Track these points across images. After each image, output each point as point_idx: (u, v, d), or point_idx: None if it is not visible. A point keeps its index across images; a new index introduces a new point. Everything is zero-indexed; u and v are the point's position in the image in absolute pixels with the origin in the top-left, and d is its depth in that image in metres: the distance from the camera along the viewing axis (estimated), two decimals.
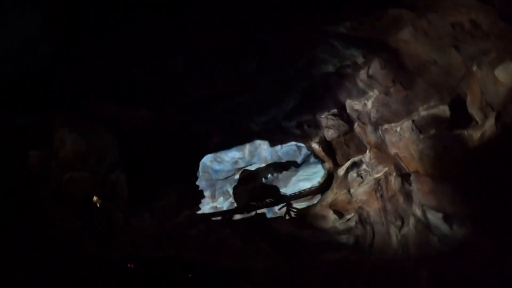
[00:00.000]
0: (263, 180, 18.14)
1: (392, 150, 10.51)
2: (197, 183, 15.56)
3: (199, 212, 15.55)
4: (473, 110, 7.77)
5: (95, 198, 9.27)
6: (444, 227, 8.65)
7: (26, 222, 7.08)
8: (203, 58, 9.13)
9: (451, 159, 8.40)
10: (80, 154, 8.94)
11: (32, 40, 6.87)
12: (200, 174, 16.91)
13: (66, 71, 8.05)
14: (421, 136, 9.27)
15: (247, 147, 18.13)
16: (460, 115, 8.15)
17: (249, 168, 18.24)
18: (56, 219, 7.83)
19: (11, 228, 6.63)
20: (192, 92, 10.61)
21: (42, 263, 6.80)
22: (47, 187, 8.08)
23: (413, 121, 9.47)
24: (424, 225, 9.38)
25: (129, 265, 9.14)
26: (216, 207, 18.85)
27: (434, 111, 8.85)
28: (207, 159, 17.73)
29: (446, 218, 8.65)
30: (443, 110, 8.62)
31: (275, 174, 18.40)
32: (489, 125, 7.25)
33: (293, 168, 18.26)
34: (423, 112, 9.19)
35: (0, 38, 6.41)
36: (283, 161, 18.15)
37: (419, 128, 9.33)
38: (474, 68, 7.39)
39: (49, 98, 8.37)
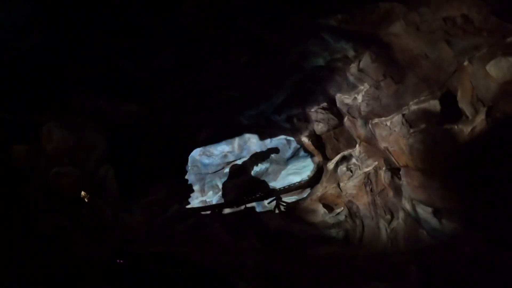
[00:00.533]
0: (252, 173, 18.10)
1: (382, 144, 10.53)
2: (186, 177, 15.44)
3: (189, 206, 15.46)
4: (464, 105, 7.79)
5: (83, 194, 9.10)
6: (433, 221, 8.72)
7: (11, 219, 6.94)
8: (193, 52, 8.98)
9: (441, 153, 8.43)
10: (67, 149, 8.75)
11: (17, 31, 6.67)
12: (189, 168, 16.78)
13: (52, 64, 7.83)
14: (411, 130, 9.27)
15: (237, 140, 18.01)
16: (451, 110, 8.15)
17: (237, 162, 18.19)
18: (42, 215, 7.68)
19: None
20: (182, 86, 10.46)
21: (29, 260, 6.67)
22: (33, 183, 7.91)
23: (403, 115, 9.45)
24: (414, 219, 9.44)
25: (118, 261, 9.05)
26: (205, 201, 18.73)
27: (425, 105, 8.83)
28: (196, 153, 17.57)
29: (436, 212, 8.72)
30: (434, 104, 8.61)
31: (264, 167, 18.40)
32: (480, 120, 7.28)
33: (280, 160, 18.23)
34: (413, 106, 9.16)
35: None
36: (273, 155, 18.14)
37: (410, 122, 9.31)
38: (466, 63, 7.40)
39: (35, 92, 8.15)
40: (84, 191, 9.15)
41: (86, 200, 9.17)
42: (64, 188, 8.47)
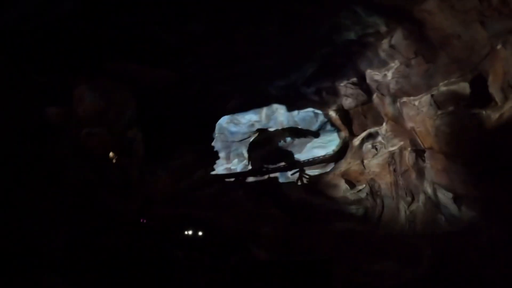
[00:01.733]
0: (278, 144, 18.10)
1: (409, 124, 10.30)
2: (212, 144, 15.69)
3: (213, 173, 15.77)
4: (494, 90, 7.49)
5: (111, 154, 9.52)
6: (453, 207, 8.61)
7: (43, 172, 7.37)
8: (223, 19, 8.96)
9: (466, 138, 8.22)
10: (98, 111, 9.12)
11: None
12: (216, 135, 16.93)
13: (86, 29, 8.03)
14: (439, 112, 9.02)
15: (264, 110, 17.87)
16: (480, 94, 7.89)
17: (264, 131, 18.15)
18: (72, 170, 8.12)
19: (27, 178, 6.91)
20: (212, 53, 10.49)
21: (57, 210, 7.12)
22: (64, 142, 8.32)
23: (432, 96, 9.18)
24: (434, 204, 9.34)
25: (141, 220, 9.51)
26: (230, 168, 19.00)
27: (454, 87, 8.55)
28: (223, 121, 17.62)
29: (456, 199, 8.60)
30: (464, 87, 8.32)
31: (290, 139, 18.32)
32: (508, 107, 7.04)
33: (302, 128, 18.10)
34: (443, 87, 8.88)
35: None
36: (300, 127, 17.97)
37: (438, 103, 9.05)
38: (499, 46, 7.06)
39: (69, 56, 8.43)
40: (112, 151, 9.56)
41: (114, 160, 9.60)
42: (93, 147, 8.89)
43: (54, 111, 8.21)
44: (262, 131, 18.04)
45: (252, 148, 17.93)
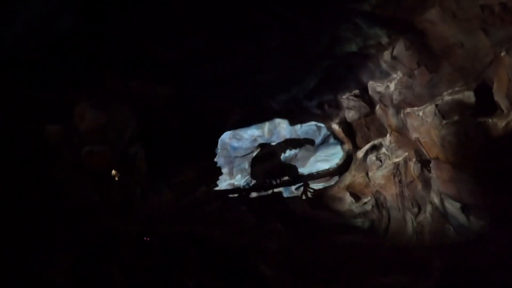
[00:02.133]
0: (281, 157, 18.10)
1: (413, 135, 10.22)
2: (215, 159, 15.64)
3: (217, 188, 15.69)
4: (499, 98, 7.39)
5: (113, 172, 9.42)
6: (461, 217, 8.47)
7: (43, 193, 7.27)
8: (224, 34, 8.96)
9: (473, 147, 8.10)
10: (99, 128, 9.06)
11: (52, 15, 6.85)
12: (219, 151, 16.92)
13: (86, 46, 8.02)
14: (444, 121, 8.92)
15: (267, 125, 17.98)
16: (486, 103, 7.75)
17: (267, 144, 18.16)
18: (73, 191, 8.01)
19: (28, 199, 6.81)
20: (212, 69, 10.49)
21: (58, 233, 7.00)
22: (66, 160, 8.24)
23: (436, 105, 9.08)
24: (441, 214, 9.20)
25: (144, 238, 9.37)
26: (233, 184, 18.94)
27: (459, 96, 8.45)
28: (226, 136, 17.70)
29: (464, 208, 8.46)
30: (468, 96, 8.22)
31: (293, 153, 18.28)
32: None
33: (309, 146, 18.06)
34: (447, 97, 8.78)
35: (19, 13, 6.41)
36: (301, 138, 17.99)
37: (442, 113, 8.95)
38: (503, 53, 6.98)
39: (69, 73, 8.41)
40: (114, 169, 9.47)
41: (116, 178, 9.50)
42: (95, 166, 8.79)
43: (55, 129, 8.14)
44: (264, 146, 18.06)
45: (254, 163, 17.90)
